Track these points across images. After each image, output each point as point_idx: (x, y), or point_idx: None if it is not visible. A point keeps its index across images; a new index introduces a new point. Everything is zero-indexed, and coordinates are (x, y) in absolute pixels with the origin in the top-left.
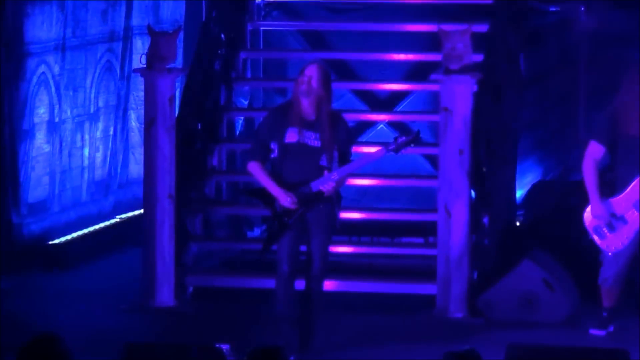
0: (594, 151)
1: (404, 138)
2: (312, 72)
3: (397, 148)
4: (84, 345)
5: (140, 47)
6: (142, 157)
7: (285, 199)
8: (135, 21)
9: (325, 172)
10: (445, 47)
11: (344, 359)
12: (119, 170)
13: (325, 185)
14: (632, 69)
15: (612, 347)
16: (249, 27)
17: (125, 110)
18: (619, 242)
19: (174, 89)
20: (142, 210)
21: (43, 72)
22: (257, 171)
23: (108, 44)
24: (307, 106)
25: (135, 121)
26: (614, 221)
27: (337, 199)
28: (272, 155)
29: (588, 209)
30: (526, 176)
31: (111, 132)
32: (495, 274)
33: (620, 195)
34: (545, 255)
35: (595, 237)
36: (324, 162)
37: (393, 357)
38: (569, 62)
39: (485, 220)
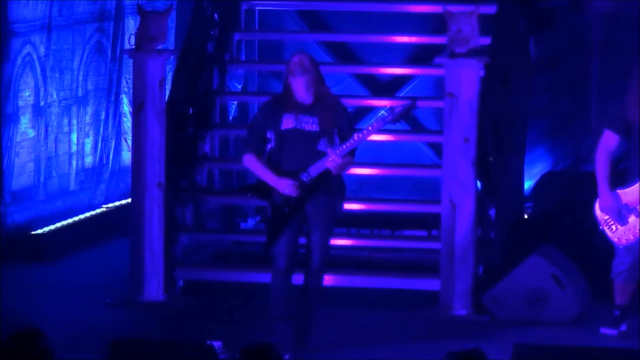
0: (608, 140)
1: (400, 107)
2: (300, 57)
3: (395, 118)
4: (67, 341)
5: (133, 27)
6: None
7: (284, 186)
8: None
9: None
10: (450, 29)
11: (340, 358)
12: (110, 157)
13: (329, 162)
14: None
15: (623, 347)
16: (244, 7)
17: (117, 94)
18: (630, 235)
19: (164, 71)
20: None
21: (28, 53)
22: (252, 163)
23: (98, 23)
24: (302, 90)
25: (128, 106)
26: (624, 213)
27: (340, 189)
28: (270, 145)
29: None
30: (535, 166)
31: (102, 117)
32: (502, 269)
33: (632, 187)
34: (554, 250)
35: (606, 229)
36: (322, 147)
37: (393, 357)
38: (582, 46)
39: (492, 212)
